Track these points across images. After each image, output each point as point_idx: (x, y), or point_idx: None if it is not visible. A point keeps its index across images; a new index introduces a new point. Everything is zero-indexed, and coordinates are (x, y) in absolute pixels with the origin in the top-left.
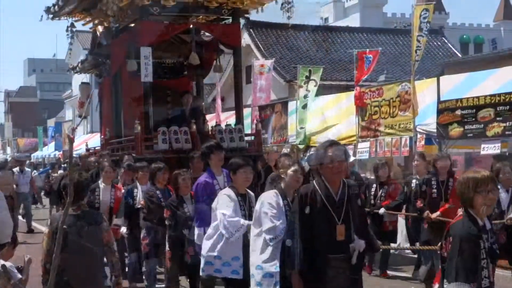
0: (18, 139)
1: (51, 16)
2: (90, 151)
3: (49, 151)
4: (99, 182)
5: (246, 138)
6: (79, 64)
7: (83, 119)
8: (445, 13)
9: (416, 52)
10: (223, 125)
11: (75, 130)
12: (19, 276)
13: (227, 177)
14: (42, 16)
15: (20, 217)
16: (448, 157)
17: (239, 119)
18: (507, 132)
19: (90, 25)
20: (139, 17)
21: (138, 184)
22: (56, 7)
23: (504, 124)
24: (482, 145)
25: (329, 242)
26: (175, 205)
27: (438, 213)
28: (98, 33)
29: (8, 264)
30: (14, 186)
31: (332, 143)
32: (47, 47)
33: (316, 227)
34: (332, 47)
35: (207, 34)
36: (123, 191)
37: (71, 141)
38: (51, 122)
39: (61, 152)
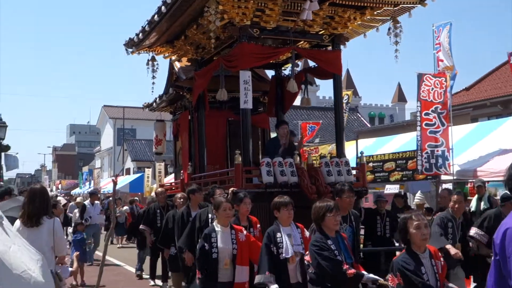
0: (61, 181)
1: (131, 49)
2: (165, 186)
3: (83, 189)
4: (214, 224)
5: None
6: (157, 100)
7: (159, 155)
8: (359, 96)
9: None
10: (327, 158)
11: (118, 176)
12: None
13: None
14: (126, 50)
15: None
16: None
17: (341, 151)
18: (403, 178)
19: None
20: (238, 38)
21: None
22: (139, 37)
23: (402, 173)
24: (386, 186)
25: None
26: (413, 269)
27: None
28: (176, 68)
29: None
30: (89, 218)
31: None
32: (84, 115)
33: None
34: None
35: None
36: (245, 232)
37: (115, 183)
38: (85, 169)
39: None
